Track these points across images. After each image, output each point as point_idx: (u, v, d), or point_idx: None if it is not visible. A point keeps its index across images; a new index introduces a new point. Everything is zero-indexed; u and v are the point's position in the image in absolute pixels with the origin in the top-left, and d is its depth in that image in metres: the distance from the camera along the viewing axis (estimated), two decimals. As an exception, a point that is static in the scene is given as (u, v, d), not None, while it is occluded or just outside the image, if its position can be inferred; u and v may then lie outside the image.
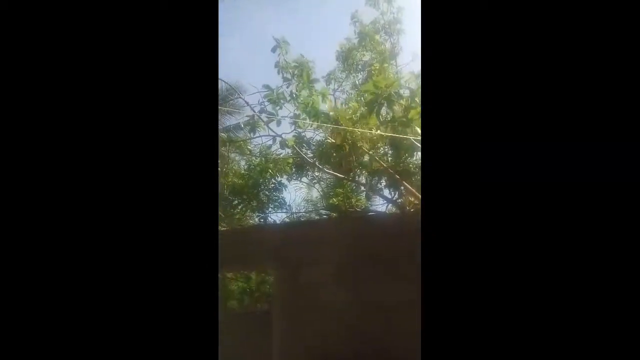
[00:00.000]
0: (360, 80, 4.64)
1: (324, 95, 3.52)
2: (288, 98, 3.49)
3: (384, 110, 2.62)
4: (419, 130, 2.69)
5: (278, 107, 3.61)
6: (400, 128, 2.78)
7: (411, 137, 2.75)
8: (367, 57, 4.48)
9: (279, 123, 3.67)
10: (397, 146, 3.10)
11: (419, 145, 2.79)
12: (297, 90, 3.45)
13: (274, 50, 3.55)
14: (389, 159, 3.54)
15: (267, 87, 3.57)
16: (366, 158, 4.65)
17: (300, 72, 3.50)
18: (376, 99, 2.65)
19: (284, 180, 5.43)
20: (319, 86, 3.85)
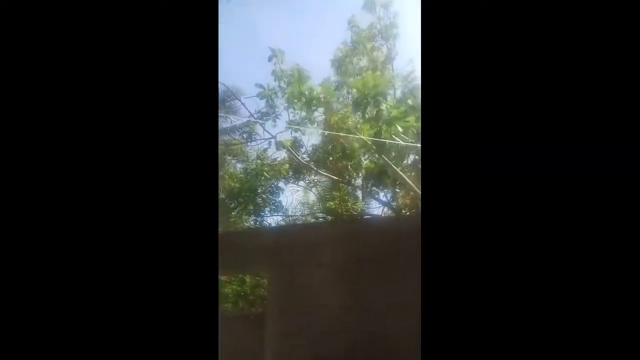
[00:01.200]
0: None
1: (316, 99, 3.55)
2: (280, 94, 3.52)
3: (369, 110, 2.66)
4: (399, 128, 2.72)
5: (271, 108, 3.64)
6: (385, 127, 2.81)
7: (393, 136, 2.77)
8: (363, 63, 4.54)
9: (274, 121, 3.69)
10: (382, 147, 3.11)
11: (404, 144, 2.80)
12: (291, 97, 3.49)
13: (270, 59, 3.60)
14: (380, 161, 3.57)
15: (259, 85, 3.61)
16: (364, 162, 4.69)
17: (295, 79, 3.55)
18: (364, 97, 2.69)
19: (280, 183, 5.44)
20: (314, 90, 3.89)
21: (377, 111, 2.65)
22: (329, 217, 5.52)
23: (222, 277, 6.38)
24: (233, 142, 6.34)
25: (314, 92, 3.76)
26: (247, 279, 6.58)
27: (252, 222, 5.75)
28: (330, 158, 4.74)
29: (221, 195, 5.98)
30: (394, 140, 2.74)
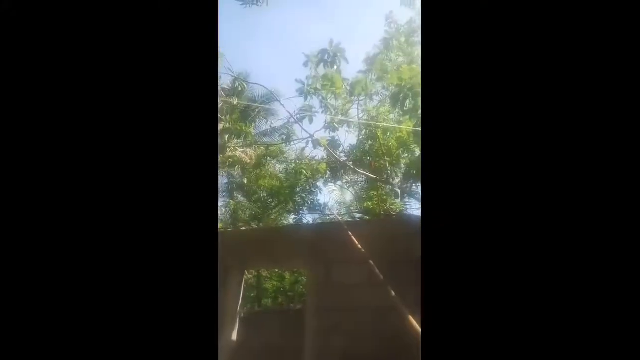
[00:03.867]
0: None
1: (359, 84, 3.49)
2: (319, 87, 3.55)
3: (408, 102, 2.58)
4: None
5: (310, 107, 3.68)
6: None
7: None
8: (401, 59, 4.42)
9: (311, 120, 3.74)
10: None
11: None
12: (328, 85, 3.50)
13: (305, 64, 3.65)
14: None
15: (299, 81, 3.67)
16: (403, 159, 4.57)
17: (330, 82, 3.56)
18: (400, 91, 2.62)
19: (319, 183, 5.52)
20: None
21: (414, 103, 2.57)
22: (366, 217, 5.46)
23: (262, 273, 6.64)
24: (273, 143, 6.54)
25: (353, 81, 3.74)
26: (287, 275, 6.77)
27: (291, 221, 5.90)
28: (369, 158, 4.70)
29: (263, 194, 6.22)
30: None
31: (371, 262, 2.75)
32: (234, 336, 3.14)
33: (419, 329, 2.27)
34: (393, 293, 2.52)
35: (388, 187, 5.30)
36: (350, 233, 2.95)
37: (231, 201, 6.81)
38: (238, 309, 3.26)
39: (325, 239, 3.12)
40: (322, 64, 3.62)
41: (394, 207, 5.80)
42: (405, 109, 2.69)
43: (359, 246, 2.83)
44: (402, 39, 4.02)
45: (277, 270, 6.52)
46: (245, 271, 4.11)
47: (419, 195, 4.41)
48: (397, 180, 4.82)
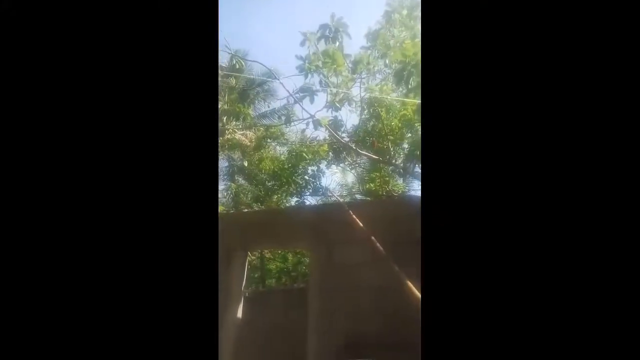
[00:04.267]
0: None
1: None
2: (320, 64, 3.43)
3: (413, 79, 2.49)
4: None
5: (311, 81, 3.57)
6: None
7: None
8: (404, 34, 4.25)
9: (312, 100, 3.64)
10: None
11: None
12: (329, 61, 3.38)
13: (302, 43, 3.50)
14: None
15: (299, 57, 3.54)
16: (405, 141, 4.49)
17: (332, 59, 3.42)
18: (404, 67, 2.51)
19: (320, 165, 5.47)
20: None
21: (419, 80, 2.48)
22: (368, 199, 5.45)
23: (266, 254, 6.74)
24: (273, 125, 6.44)
25: (355, 58, 3.61)
26: (290, 256, 6.86)
27: (293, 203, 5.90)
28: (371, 138, 4.62)
29: (264, 176, 6.19)
30: None
31: (373, 238, 2.74)
32: (239, 315, 3.20)
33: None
34: (397, 268, 2.53)
35: (390, 168, 5.25)
36: (352, 213, 2.93)
37: (232, 184, 6.79)
38: (242, 289, 3.30)
39: (327, 219, 3.12)
40: (323, 40, 3.48)
41: (396, 188, 5.77)
42: (409, 86, 2.59)
43: (361, 226, 2.83)
44: (404, 12, 3.84)
45: (279, 251, 6.59)
46: (249, 252, 4.15)
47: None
48: (399, 161, 4.77)
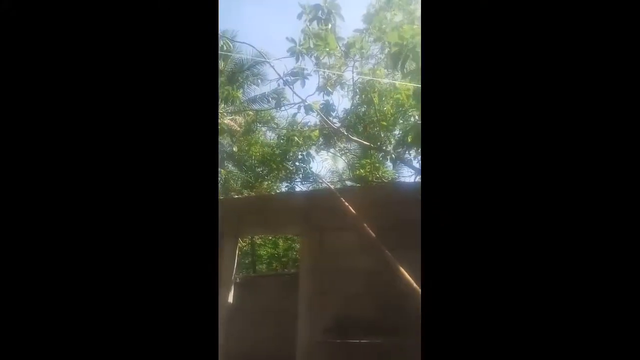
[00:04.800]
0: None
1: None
2: (312, 45, 3.33)
3: (409, 63, 2.44)
4: None
5: (301, 69, 3.48)
6: None
7: None
8: (399, 17, 4.16)
9: (303, 84, 3.55)
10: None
11: None
12: (322, 45, 3.29)
13: (299, 16, 3.37)
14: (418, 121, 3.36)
15: (291, 40, 3.43)
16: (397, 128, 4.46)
17: (324, 42, 3.32)
18: (401, 51, 2.46)
19: (311, 151, 5.42)
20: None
21: (416, 65, 2.43)
22: (358, 185, 5.48)
23: (257, 240, 6.74)
24: (263, 109, 6.31)
25: (348, 41, 3.51)
26: (281, 242, 6.89)
27: (284, 189, 5.87)
28: (362, 123, 4.58)
29: (254, 162, 6.11)
30: None
31: (365, 225, 2.76)
32: (230, 300, 3.21)
33: (415, 286, 2.33)
34: (387, 252, 2.55)
35: (381, 154, 5.25)
36: (342, 199, 2.94)
37: (222, 170, 6.70)
38: (233, 275, 3.31)
39: (318, 205, 3.12)
40: (315, 21, 3.37)
41: (386, 175, 5.81)
42: (405, 71, 2.54)
43: (352, 211, 2.84)
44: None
45: (270, 237, 6.60)
46: (239, 239, 4.14)
47: (412, 163, 4.39)
48: (390, 147, 4.77)
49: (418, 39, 2.32)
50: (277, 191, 5.91)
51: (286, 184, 5.77)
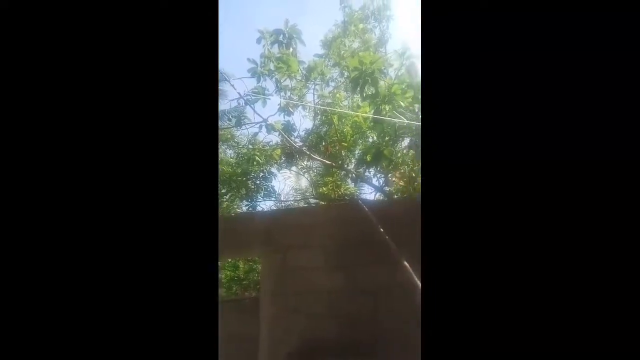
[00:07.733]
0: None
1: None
2: (273, 68, 3.41)
3: (367, 88, 2.61)
4: (402, 103, 2.68)
5: (262, 89, 3.53)
6: (383, 106, 2.74)
7: (395, 112, 2.70)
8: (355, 44, 4.44)
9: (264, 103, 3.59)
10: (380, 126, 3.01)
11: (403, 121, 2.74)
12: (283, 68, 3.38)
13: (258, 41, 3.46)
14: (376, 142, 3.53)
15: (252, 61, 3.48)
16: (359, 144, 4.65)
17: (285, 63, 3.43)
18: (360, 75, 2.63)
19: (272, 168, 5.39)
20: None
21: (374, 90, 2.58)
22: (322, 203, 5.53)
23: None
24: (223, 127, 6.19)
25: (309, 65, 3.64)
26: (241, 264, 6.61)
27: (244, 208, 5.71)
28: (323, 143, 4.69)
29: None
30: (397, 117, 2.65)
31: (329, 243, 2.78)
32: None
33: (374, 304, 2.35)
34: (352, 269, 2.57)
35: (342, 172, 5.39)
36: (303, 219, 2.94)
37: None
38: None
39: (280, 224, 3.08)
40: (276, 45, 3.47)
41: (347, 192, 5.94)
42: (364, 94, 2.70)
43: (314, 231, 2.84)
44: (360, 26, 4.02)
45: (229, 260, 6.32)
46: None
47: (371, 180, 4.57)
48: (351, 166, 4.92)
49: (377, 64, 2.50)
50: (238, 210, 5.73)
51: (246, 203, 5.63)
